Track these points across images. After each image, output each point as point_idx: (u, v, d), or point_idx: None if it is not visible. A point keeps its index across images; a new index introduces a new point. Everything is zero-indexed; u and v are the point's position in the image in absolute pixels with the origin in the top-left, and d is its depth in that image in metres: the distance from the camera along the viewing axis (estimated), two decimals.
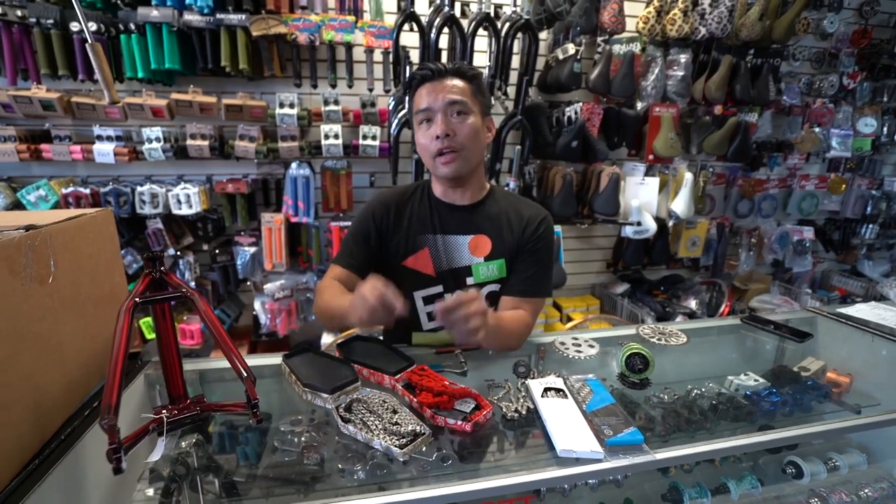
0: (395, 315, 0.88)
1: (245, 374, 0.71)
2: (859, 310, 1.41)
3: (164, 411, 0.75)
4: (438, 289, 1.21)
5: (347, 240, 1.24)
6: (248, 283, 2.42)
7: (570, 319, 2.65)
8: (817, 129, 2.86)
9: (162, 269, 0.76)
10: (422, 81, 1.11)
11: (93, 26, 1.88)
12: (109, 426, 0.55)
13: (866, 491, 1.12)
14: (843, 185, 3.08)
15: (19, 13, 1.83)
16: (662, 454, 0.75)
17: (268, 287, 2.32)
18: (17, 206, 2.01)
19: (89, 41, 1.00)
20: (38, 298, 0.74)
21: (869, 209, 3.15)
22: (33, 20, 1.84)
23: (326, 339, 2.38)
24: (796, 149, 2.88)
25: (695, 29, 2.41)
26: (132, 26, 1.93)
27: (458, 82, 1.10)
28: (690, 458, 0.80)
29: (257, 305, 2.35)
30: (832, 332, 1.37)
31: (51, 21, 1.84)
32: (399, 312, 0.87)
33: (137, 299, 0.70)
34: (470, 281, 1.21)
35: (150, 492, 0.70)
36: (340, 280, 1.16)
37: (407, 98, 1.24)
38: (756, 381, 1.01)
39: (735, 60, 2.52)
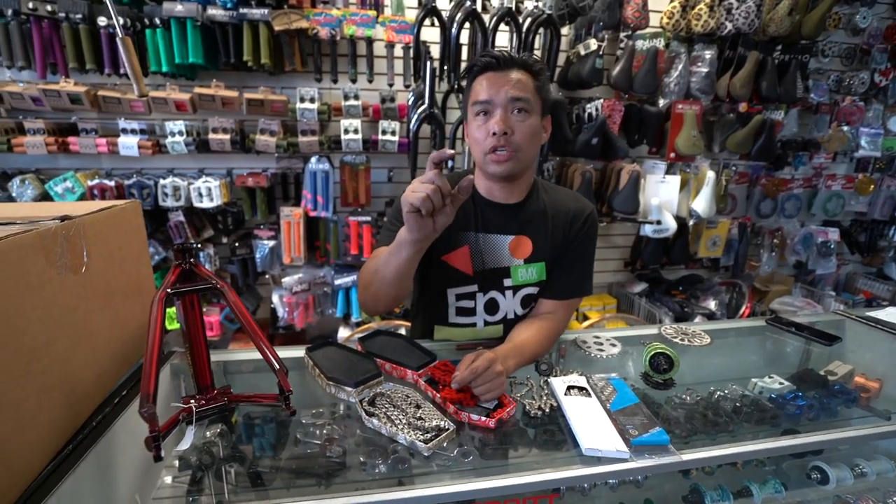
0: (453, 197, 0.82)
1: (278, 367, 0.72)
2: (889, 313, 1.38)
3: (192, 401, 0.76)
4: (473, 288, 1.17)
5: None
6: (267, 276, 2.44)
7: (586, 318, 2.63)
8: (846, 128, 2.78)
9: (192, 260, 0.77)
10: (483, 70, 1.02)
11: (119, 21, 1.91)
12: (149, 414, 0.56)
13: (895, 499, 1.09)
14: (872, 186, 2.99)
15: (49, 8, 1.86)
16: (688, 455, 0.75)
17: (286, 280, 2.35)
18: (45, 197, 2.06)
19: (120, 35, 1.01)
20: (71, 287, 0.75)
21: None
22: (62, 15, 1.87)
23: (343, 332, 2.40)
24: (823, 148, 2.80)
25: (721, 24, 2.36)
26: (157, 21, 1.96)
27: (523, 76, 1.01)
28: (716, 460, 0.79)
29: (275, 298, 2.38)
30: (860, 335, 1.33)
31: (79, 16, 1.88)
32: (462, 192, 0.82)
33: (169, 290, 0.71)
34: (507, 283, 1.16)
35: (173, 480, 0.71)
36: None
37: (464, 85, 1.14)
38: (781, 384, 0.99)
39: (762, 57, 2.46)
